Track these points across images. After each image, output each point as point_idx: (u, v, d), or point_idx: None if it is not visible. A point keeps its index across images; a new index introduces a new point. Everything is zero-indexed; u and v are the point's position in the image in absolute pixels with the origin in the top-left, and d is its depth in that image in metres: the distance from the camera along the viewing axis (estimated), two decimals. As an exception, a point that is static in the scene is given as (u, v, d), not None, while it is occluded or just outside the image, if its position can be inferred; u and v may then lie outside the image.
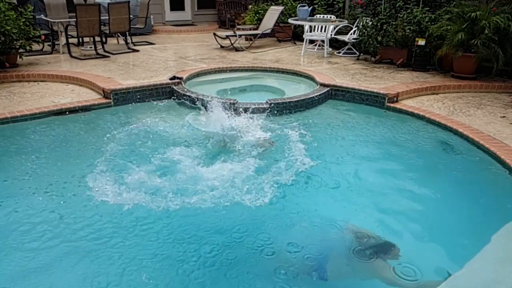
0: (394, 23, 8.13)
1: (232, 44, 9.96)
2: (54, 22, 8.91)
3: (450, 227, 3.60)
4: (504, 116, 5.65)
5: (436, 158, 4.87)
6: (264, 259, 3.13)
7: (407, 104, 6.22)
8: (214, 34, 10.30)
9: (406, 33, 7.82)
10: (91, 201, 3.73)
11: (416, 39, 7.67)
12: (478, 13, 6.71)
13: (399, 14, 8.24)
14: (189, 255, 3.14)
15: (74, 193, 3.89)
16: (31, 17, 7.79)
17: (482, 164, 4.52)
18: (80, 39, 9.25)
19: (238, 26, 11.42)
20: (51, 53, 8.99)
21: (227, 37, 9.99)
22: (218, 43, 10.24)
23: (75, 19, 8.39)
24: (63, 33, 8.81)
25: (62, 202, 3.76)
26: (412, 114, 5.89)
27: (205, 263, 3.05)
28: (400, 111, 6.08)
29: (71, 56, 8.69)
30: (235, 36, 9.95)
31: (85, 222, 3.48)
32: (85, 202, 3.73)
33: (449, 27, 7.03)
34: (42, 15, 9.19)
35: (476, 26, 6.79)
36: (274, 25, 10.45)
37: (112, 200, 3.70)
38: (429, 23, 7.60)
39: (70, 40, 8.94)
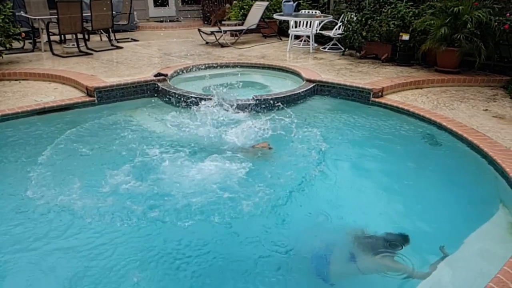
0: (378, 18, 8.18)
1: (217, 40, 9.90)
2: (34, 19, 8.72)
3: (435, 219, 3.64)
4: (486, 109, 5.73)
5: (420, 151, 4.93)
6: (264, 259, 3.12)
7: (392, 98, 6.27)
8: (199, 30, 10.22)
9: (390, 28, 7.88)
10: (65, 206, 3.61)
11: (400, 34, 7.74)
12: (460, 7, 6.79)
13: (383, 9, 8.29)
14: (188, 254, 3.12)
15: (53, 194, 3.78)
16: (10, 14, 7.60)
17: (466, 157, 4.58)
18: (62, 36, 9.08)
19: (223, 22, 11.36)
20: (32, 51, 8.82)
21: (212, 33, 9.91)
22: (203, 39, 10.17)
23: (56, 16, 8.24)
24: (44, 30, 8.63)
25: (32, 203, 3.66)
26: (397, 109, 5.94)
27: (204, 263, 3.04)
28: (385, 106, 6.12)
29: (53, 54, 8.54)
30: (220, 32, 9.89)
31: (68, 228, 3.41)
32: (60, 204, 3.63)
33: (432, 22, 7.10)
34: (21, 12, 8.99)
35: (458, 21, 6.86)
36: (260, 21, 10.42)
37: (90, 204, 3.59)
38: (412, 18, 7.67)
39: (52, 38, 8.75)
